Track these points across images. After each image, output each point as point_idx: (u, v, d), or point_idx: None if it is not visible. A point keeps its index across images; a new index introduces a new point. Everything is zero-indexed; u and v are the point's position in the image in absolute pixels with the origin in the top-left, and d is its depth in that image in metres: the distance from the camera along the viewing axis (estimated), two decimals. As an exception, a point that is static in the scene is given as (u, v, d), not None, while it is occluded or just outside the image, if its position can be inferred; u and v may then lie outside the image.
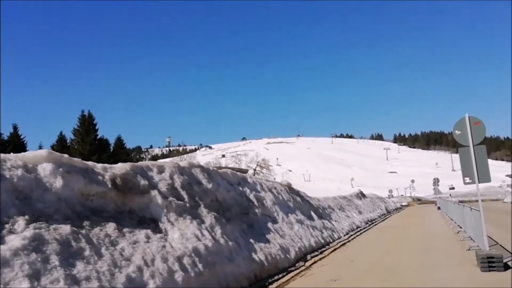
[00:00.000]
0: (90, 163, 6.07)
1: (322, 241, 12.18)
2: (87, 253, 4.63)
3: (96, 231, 5.10)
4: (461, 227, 14.16)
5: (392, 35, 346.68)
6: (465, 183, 7.82)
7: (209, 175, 8.99)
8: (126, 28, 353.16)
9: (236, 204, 9.46)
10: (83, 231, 4.92)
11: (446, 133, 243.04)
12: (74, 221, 4.96)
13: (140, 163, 7.19)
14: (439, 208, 34.60)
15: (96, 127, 53.03)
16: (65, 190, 5.18)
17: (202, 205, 7.55)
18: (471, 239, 11.31)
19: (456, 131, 7.82)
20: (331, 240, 13.14)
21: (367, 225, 20.49)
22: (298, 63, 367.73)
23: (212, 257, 6.46)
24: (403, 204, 55.95)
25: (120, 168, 6.43)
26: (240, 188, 10.27)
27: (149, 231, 5.89)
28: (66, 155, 5.65)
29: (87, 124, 52.40)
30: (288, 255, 9.19)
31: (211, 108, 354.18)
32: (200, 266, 6.00)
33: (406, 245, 12.08)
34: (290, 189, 13.98)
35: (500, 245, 10.26)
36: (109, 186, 5.90)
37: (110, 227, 5.36)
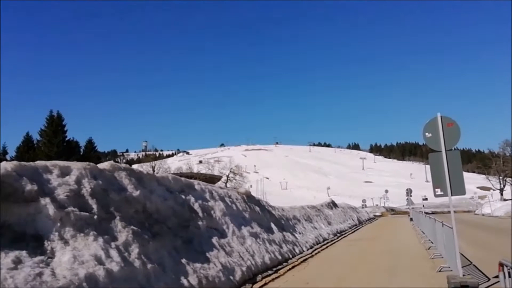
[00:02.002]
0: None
1: (280, 257, 10.84)
2: None
3: None
4: (432, 243, 13.10)
5: (370, 42, 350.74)
6: (436, 195, 6.64)
7: (139, 180, 7.56)
8: (105, 25, 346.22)
9: (174, 215, 8.04)
10: None
11: (421, 145, 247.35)
12: None
13: (37, 162, 5.72)
14: (411, 219, 33.85)
15: (65, 129, 50.99)
16: None
17: (118, 218, 6.10)
18: (443, 257, 10.21)
19: (427, 134, 6.66)
20: (291, 256, 11.82)
21: (336, 237, 19.31)
22: (277, 70, 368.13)
23: (117, 285, 5.03)
24: (377, 214, 55.36)
25: (-2, 168, 4.94)
26: (183, 196, 8.86)
27: (23, 252, 4.42)
28: None
29: (55, 125, 50.16)
30: (231, 277, 7.80)
31: (190, 113, 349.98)
32: (93, 299, 4.56)
33: (373, 262, 10.88)
34: (248, 197, 12.64)
35: (473, 265, 9.18)
36: (-29, 191, 4.42)
37: (-45, 249, 3.88)
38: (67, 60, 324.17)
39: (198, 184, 10.01)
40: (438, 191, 6.54)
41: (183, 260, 6.88)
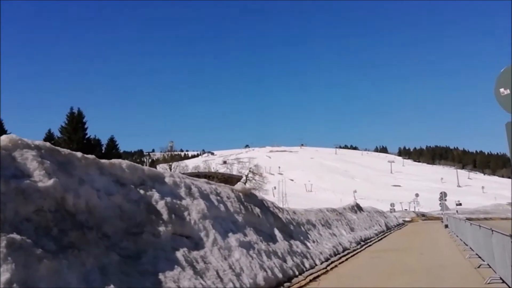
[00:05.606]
0: None
1: (280, 275, 8.26)
2: None
3: None
4: (482, 259, 10.22)
5: (399, 43, 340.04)
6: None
7: (63, 165, 5.22)
8: (130, 28, 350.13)
9: (120, 218, 5.68)
10: None
11: (452, 149, 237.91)
12: None
13: None
14: (446, 226, 30.46)
15: (86, 126, 50.20)
16: None
17: (-14, 219, 3.74)
18: (503, 281, 7.43)
19: (502, 90, 4.01)
20: (297, 273, 9.21)
21: (359, 246, 16.53)
22: (303, 71, 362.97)
23: None
24: (406, 219, 51.58)
25: None
26: (141, 191, 6.48)
27: None
28: None
29: (75, 122, 49.53)
30: (195, 310, 5.34)
31: (217, 114, 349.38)
32: None
33: (406, 285, 8.15)
34: (246, 196, 10.14)
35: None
36: None
37: None
38: (98, 59, 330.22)
39: (170, 176, 7.60)
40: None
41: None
